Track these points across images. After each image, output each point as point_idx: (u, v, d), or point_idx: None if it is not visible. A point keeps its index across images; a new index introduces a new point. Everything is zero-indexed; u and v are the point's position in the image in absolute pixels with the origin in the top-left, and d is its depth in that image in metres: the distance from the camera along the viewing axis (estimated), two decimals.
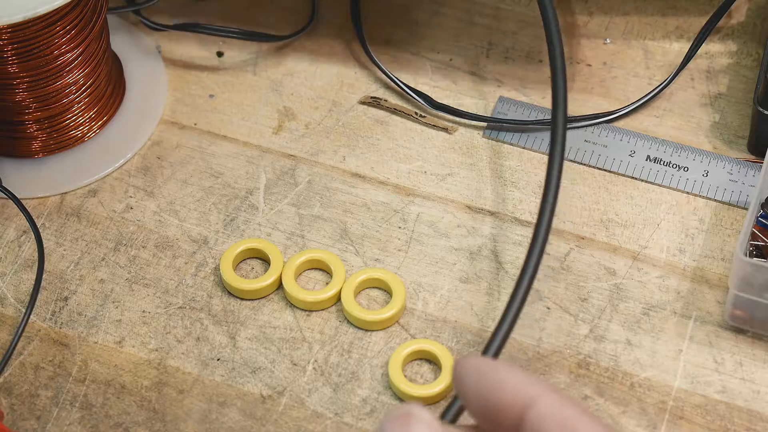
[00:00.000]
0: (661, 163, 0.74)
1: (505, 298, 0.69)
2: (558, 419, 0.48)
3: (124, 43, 0.80)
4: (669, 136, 0.75)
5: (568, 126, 0.74)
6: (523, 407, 0.49)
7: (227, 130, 0.76)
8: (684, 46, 0.79)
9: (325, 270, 0.70)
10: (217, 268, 0.70)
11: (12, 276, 0.70)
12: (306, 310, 0.69)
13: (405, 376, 0.66)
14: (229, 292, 0.70)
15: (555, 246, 0.71)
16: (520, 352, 0.67)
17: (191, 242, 0.72)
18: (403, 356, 0.66)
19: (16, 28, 0.68)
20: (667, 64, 0.79)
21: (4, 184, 0.73)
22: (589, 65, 0.79)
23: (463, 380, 0.50)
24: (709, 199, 0.73)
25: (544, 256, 0.67)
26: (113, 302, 0.69)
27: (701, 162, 0.74)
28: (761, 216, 0.68)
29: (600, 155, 0.74)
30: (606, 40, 0.80)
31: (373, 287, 0.70)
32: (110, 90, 0.76)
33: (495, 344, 0.63)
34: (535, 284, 0.68)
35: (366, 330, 0.68)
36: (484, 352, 0.63)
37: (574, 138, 0.75)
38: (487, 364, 0.50)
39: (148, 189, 0.74)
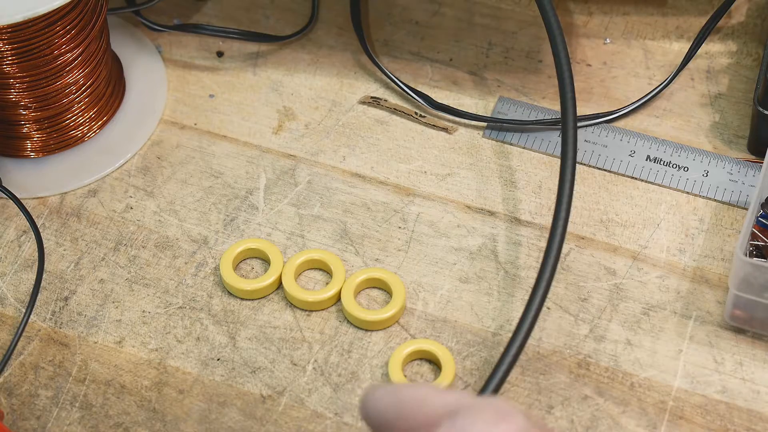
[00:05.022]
0: (661, 163, 0.74)
1: (505, 298, 0.69)
2: (483, 419, 0.48)
3: (124, 43, 0.80)
4: (669, 136, 0.75)
5: None
6: (439, 419, 0.49)
7: (227, 130, 0.76)
8: (684, 46, 0.79)
9: (325, 270, 0.70)
10: (217, 268, 0.70)
11: (12, 276, 0.70)
12: (306, 310, 0.69)
13: (405, 376, 0.66)
14: (229, 292, 0.70)
15: None
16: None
17: (191, 242, 0.72)
18: (403, 356, 0.66)
19: (16, 28, 0.68)
20: (667, 64, 0.79)
21: (4, 184, 0.73)
22: (589, 65, 0.79)
23: (372, 410, 0.50)
24: (709, 199, 0.73)
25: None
26: (113, 302, 0.69)
27: (701, 162, 0.74)
28: (761, 216, 0.68)
29: (600, 155, 0.74)
30: (606, 40, 0.80)
31: (373, 287, 0.70)
32: (110, 90, 0.76)
33: (509, 355, 0.64)
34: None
35: (366, 330, 0.68)
36: (498, 364, 0.64)
37: None
38: (396, 385, 0.51)
39: (148, 189, 0.74)
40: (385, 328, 0.68)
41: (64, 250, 0.71)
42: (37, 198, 0.74)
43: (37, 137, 0.74)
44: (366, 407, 0.51)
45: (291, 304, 0.69)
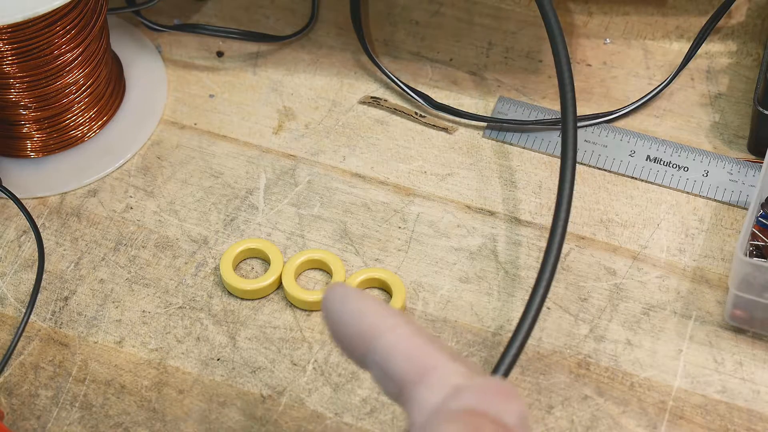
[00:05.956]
0: (661, 163, 0.74)
1: (505, 298, 0.69)
2: (403, 348, 0.48)
3: (124, 43, 0.80)
4: (669, 136, 0.75)
5: None
6: (376, 336, 0.49)
7: (227, 130, 0.76)
8: (684, 46, 0.79)
9: (325, 270, 0.70)
10: (217, 268, 0.70)
11: (12, 276, 0.70)
12: (306, 310, 0.69)
13: None
14: (229, 292, 0.70)
15: None
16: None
17: (191, 242, 0.72)
18: None
19: (16, 28, 0.68)
20: (667, 64, 0.79)
21: (4, 184, 0.73)
22: (589, 65, 0.79)
23: (328, 306, 0.51)
24: (709, 199, 0.73)
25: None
26: (113, 302, 0.69)
27: (701, 162, 0.74)
28: (761, 216, 0.68)
29: (600, 155, 0.74)
30: (606, 40, 0.80)
31: (373, 287, 0.70)
32: (110, 90, 0.76)
33: (509, 355, 0.64)
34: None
35: None
36: (498, 364, 0.63)
37: None
38: (353, 293, 0.50)
39: (148, 189, 0.74)
40: None
41: (64, 250, 0.71)
42: (37, 198, 0.74)
43: (37, 137, 0.74)
44: (324, 306, 0.51)
45: (291, 304, 0.69)
